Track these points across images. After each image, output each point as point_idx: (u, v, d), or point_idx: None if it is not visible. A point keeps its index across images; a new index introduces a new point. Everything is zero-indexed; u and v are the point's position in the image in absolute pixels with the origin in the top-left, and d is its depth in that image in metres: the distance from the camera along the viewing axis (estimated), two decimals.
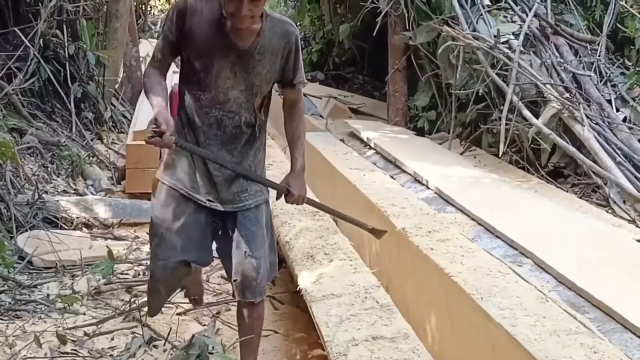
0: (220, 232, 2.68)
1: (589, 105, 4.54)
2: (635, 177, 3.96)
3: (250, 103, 2.48)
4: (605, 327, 2.36)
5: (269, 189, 2.68)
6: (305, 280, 2.85)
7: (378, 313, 2.42)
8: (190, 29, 2.38)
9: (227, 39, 2.37)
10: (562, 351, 2.01)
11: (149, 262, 2.98)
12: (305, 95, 9.05)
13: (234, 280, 2.60)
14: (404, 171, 4.81)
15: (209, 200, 2.53)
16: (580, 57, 5.13)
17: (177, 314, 3.68)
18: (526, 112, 4.46)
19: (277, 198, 2.67)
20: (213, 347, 3.28)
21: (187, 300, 3.75)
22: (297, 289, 3.01)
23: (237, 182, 2.55)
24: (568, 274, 2.76)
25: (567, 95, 4.52)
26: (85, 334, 3.25)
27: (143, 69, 6.13)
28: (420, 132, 6.36)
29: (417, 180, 4.56)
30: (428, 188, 4.34)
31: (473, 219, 3.62)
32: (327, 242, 3.19)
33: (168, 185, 2.54)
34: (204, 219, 2.57)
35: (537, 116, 4.50)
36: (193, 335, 3.32)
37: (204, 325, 3.58)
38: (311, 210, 3.80)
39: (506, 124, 4.58)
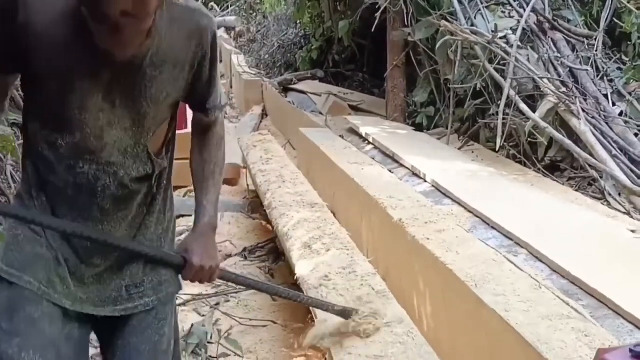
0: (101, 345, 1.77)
1: (585, 100, 4.57)
2: (631, 169, 3.99)
3: (142, 146, 1.60)
4: (598, 314, 2.39)
5: (180, 277, 1.77)
6: (302, 269, 2.89)
7: (374, 298, 2.45)
8: (27, 31, 1.46)
9: (95, 45, 1.44)
10: (554, 335, 2.04)
11: None
12: (304, 92, 9.22)
13: None
14: (402, 165, 4.84)
15: (79, 300, 1.62)
16: (577, 52, 5.16)
17: (177, 305, 3.71)
18: (523, 106, 4.49)
19: (177, 273, 1.74)
20: (211, 337, 3.33)
21: (186, 291, 3.79)
22: (295, 278, 3.05)
23: (126, 269, 1.67)
24: (562, 262, 2.79)
25: (564, 89, 4.55)
26: None
27: None
28: (418, 127, 6.40)
29: (414, 174, 4.59)
30: (425, 182, 4.37)
31: (470, 211, 3.65)
32: (324, 233, 3.23)
33: (16, 283, 1.56)
34: (78, 331, 1.63)
35: (534, 111, 4.53)
36: (192, 325, 3.37)
37: (203, 315, 3.62)
38: (310, 201, 3.84)
39: (503, 119, 4.61)
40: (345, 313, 2.00)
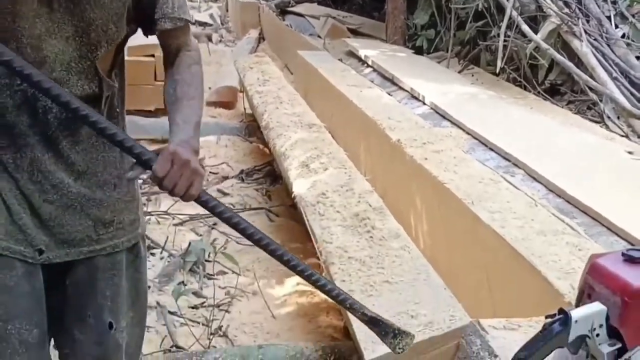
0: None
1: (588, 21, 4.49)
2: (631, 92, 3.96)
3: (89, 61, 1.39)
4: (592, 231, 2.42)
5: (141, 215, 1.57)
6: (300, 187, 2.90)
7: (370, 215, 2.47)
8: None
9: None
10: (548, 249, 2.07)
11: None
12: (302, 15, 9.03)
13: None
14: (401, 88, 4.80)
15: (39, 251, 1.43)
16: None
17: (174, 225, 3.75)
18: (525, 27, 4.41)
19: (148, 168, 1.32)
20: (209, 255, 3.37)
21: (183, 211, 3.82)
22: (292, 197, 3.07)
23: (91, 206, 1.46)
24: (558, 182, 2.80)
25: (566, 10, 4.46)
26: None
27: None
28: (418, 50, 6.30)
29: (413, 96, 4.56)
30: (424, 104, 4.34)
31: (468, 133, 3.64)
32: (322, 152, 3.23)
33: None
34: (39, 285, 1.45)
35: (536, 33, 4.45)
36: (190, 243, 3.42)
37: (200, 235, 3.66)
38: (307, 122, 3.82)
39: (504, 40, 4.54)
40: (375, 322, 1.49)
